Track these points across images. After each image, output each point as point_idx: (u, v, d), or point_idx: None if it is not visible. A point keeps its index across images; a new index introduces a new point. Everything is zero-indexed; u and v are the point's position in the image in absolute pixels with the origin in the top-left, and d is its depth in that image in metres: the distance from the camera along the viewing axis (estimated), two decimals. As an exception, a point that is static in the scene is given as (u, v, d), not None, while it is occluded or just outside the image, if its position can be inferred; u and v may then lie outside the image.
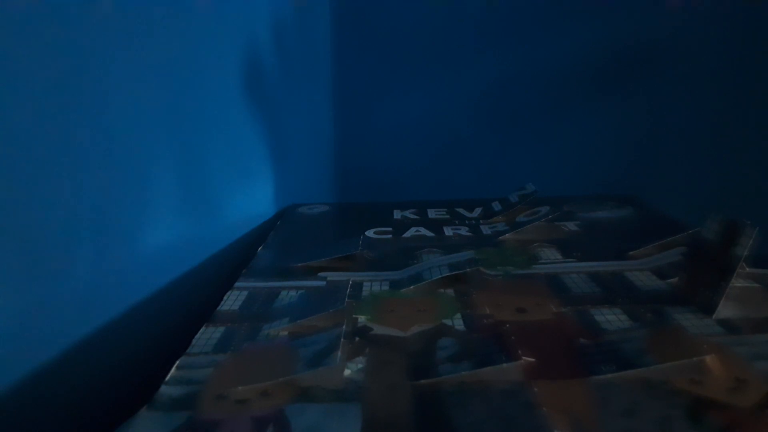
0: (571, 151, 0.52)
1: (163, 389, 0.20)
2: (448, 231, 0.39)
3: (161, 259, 0.31)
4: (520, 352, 0.21)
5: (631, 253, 0.32)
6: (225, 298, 0.28)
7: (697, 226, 0.30)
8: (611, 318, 0.24)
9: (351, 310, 0.26)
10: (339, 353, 0.22)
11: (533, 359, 0.21)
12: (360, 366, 0.21)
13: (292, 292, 0.29)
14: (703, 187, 0.49)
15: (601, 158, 0.52)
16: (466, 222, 0.41)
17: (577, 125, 0.52)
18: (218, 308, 0.27)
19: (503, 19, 0.50)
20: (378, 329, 0.24)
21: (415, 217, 0.43)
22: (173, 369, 0.21)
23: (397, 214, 0.44)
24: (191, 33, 0.33)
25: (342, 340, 0.23)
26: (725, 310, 0.24)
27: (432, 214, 0.44)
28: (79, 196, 0.24)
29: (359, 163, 0.54)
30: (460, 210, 0.44)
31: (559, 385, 0.19)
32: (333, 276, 0.31)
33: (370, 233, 0.39)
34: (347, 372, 0.21)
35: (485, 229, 0.39)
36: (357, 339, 0.23)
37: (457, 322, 0.24)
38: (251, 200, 0.43)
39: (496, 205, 0.43)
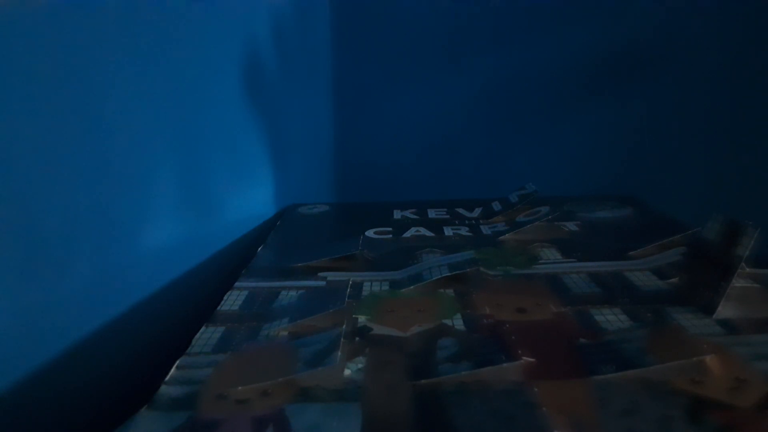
0: (571, 151, 0.52)
1: (163, 389, 0.20)
2: (448, 231, 0.39)
3: (161, 259, 0.31)
4: (520, 352, 0.21)
5: (631, 253, 0.32)
6: (225, 298, 0.28)
7: (697, 226, 0.30)
8: (611, 318, 0.24)
9: (351, 310, 0.26)
10: (339, 353, 0.22)
11: (533, 359, 0.21)
12: (360, 366, 0.21)
13: (292, 292, 0.29)
14: (703, 187, 0.49)
15: (602, 158, 0.52)
16: (466, 222, 0.41)
17: (577, 125, 0.52)
18: (218, 308, 0.27)
19: (503, 19, 0.50)
20: (378, 329, 0.24)
21: (415, 217, 0.43)
22: (173, 369, 0.21)
23: (397, 214, 0.44)
24: (191, 33, 0.33)
25: (342, 340, 0.23)
26: (725, 310, 0.24)
27: (432, 214, 0.44)
28: (79, 196, 0.24)
29: (359, 163, 0.54)
30: (460, 210, 0.44)
31: (559, 385, 0.19)
32: (333, 276, 0.31)
33: (370, 233, 0.39)
34: (347, 372, 0.21)
35: (485, 229, 0.39)
36: (357, 339, 0.23)
37: (457, 322, 0.24)
38: (251, 200, 0.43)
39: (496, 205, 0.43)
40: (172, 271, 0.32)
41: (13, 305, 0.21)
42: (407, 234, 0.38)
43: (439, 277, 0.29)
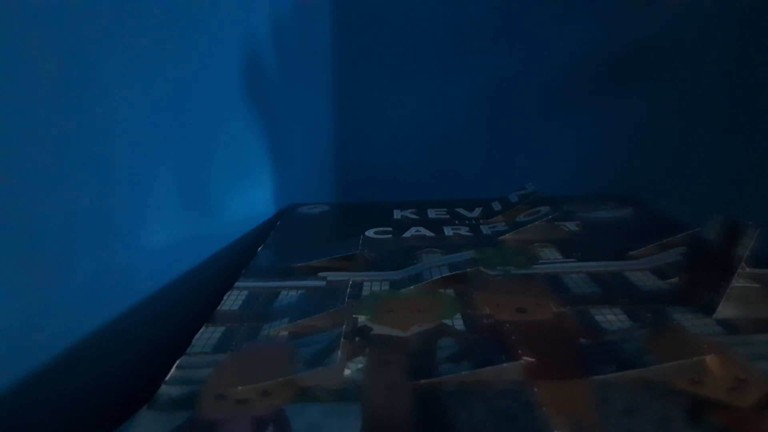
0: (571, 151, 0.52)
1: (163, 389, 0.20)
2: (448, 231, 0.39)
3: (161, 259, 0.31)
4: (520, 352, 0.21)
5: (631, 253, 0.32)
6: (225, 298, 0.28)
7: (697, 226, 0.30)
8: (611, 318, 0.24)
9: (351, 310, 0.26)
10: (339, 353, 0.22)
11: (533, 359, 0.21)
12: (360, 366, 0.21)
13: (292, 292, 0.29)
14: (703, 187, 0.49)
15: (601, 158, 0.52)
16: (466, 222, 0.41)
17: (577, 125, 0.52)
18: (218, 308, 0.27)
19: (503, 19, 0.50)
20: (378, 329, 0.24)
21: (415, 217, 0.43)
22: (173, 369, 0.21)
23: (397, 214, 0.44)
24: (191, 33, 0.33)
25: (342, 339, 0.23)
26: (725, 310, 0.24)
27: (432, 214, 0.44)
28: (79, 196, 0.24)
29: (359, 163, 0.54)
30: (460, 210, 0.44)
31: (559, 385, 0.19)
32: (333, 276, 0.31)
33: (370, 233, 0.39)
34: (347, 372, 0.21)
35: (485, 229, 0.39)
36: (357, 339, 0.23)
37: (457, 322, 0.24)
38: (251, 200, 0.43)
39: (496, 205, 0.43)
40: (172, 271, 0.32)
41: (13, 305, 0.21)
42: (407, 234, 0.38)
43: (439, 277, 0.29)
